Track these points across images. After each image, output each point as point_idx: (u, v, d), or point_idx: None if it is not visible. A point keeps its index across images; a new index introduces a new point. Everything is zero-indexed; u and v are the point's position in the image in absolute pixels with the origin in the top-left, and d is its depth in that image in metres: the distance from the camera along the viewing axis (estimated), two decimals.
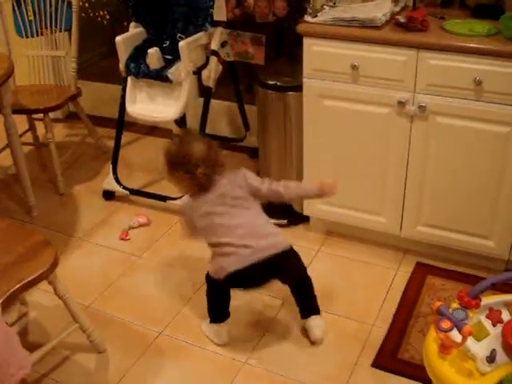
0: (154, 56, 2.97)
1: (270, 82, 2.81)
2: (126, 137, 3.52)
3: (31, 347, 2.11)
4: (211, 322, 2.38)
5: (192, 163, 2.15)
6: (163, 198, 3.13)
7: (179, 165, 2.18)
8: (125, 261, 2.83)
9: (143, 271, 2.77)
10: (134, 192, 3.25)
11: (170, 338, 2.40)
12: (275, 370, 2.24)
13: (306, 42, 2.51)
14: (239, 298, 2.45)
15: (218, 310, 2.36)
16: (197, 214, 2.21)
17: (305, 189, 2.38)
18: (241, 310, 2.48)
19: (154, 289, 2.66)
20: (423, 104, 2.39)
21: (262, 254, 2.12)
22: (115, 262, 2.82)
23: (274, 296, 2.56)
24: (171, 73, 2.93)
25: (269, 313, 2.50)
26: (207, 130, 3.12)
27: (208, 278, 2.31)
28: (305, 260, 2.32)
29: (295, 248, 2.25)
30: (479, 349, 1.67)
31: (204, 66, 3.05)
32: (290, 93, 2.74)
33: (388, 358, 2.27)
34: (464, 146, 2.42)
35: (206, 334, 2.39)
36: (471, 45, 2.26)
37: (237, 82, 3.39)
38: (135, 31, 3.12)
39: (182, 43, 2.89)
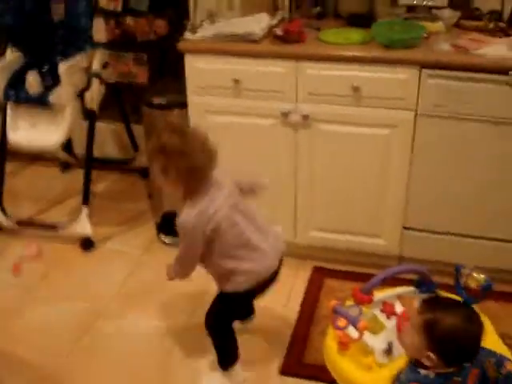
0: (33, 80, 2.87)
1: (155, 101, 2.79)
2: (10, 166, 3.38)
3: None
4: (229, 367, 2.19)
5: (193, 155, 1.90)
6: (53, 227, 3.04)
7: (178, 156, 1.89)
8: (19, 294, 2.71)
9: (39, 304, 2.65)
10: (22, 223, 3.12)
11: (71, 370, 2.31)
12: None
13: (188, 59, 2.52)
14: None
15: (234, 348, 2.19)
16: (215, 218, 1.93)
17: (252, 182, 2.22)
18: None
19: (52, 321, 2.55)
20: (306, 113, 2.46)
21: (279, 253, 2.09)
22: (9, 296, 2.70)
23: None
24: (52, 97, 2.85)
25: None
26: (95, 153, 3.06)
27: (215, 319, 2.15)
28: (204, 279, 2.30)
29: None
30: (376, 342, 1.73)
31: (86, 89, 2.99)
32: (176, 110, 2.74)
33: (294, 363, 2.30)
34: (348, 150, 2.51)
35: None
36: (347, 53, 2.36)
37: (121, 102, 3.35)
38: (13, 56, 3.00)
39: (61, 66, 2.81)
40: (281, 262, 2.11)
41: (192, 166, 1.89)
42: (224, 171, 2.03)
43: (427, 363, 1.51)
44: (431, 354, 1.49)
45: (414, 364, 1.56)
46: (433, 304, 1.57)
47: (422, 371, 1.52)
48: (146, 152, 1.99)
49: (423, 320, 1.52)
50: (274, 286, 2.11)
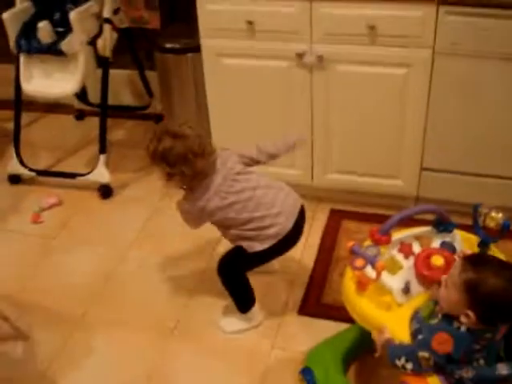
0: (44, 30, 2.85)
1: (168, 46, 2.77)
2: (26, 117, 3.38)
3: None
4: (247, 310, 2.23)
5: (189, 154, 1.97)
6: (72, 176, 3.06)
7: (176, 159, 1.98)
8: (39, 244, 2.75)
9: (60, 252, 2.70)
10: (41, 173, 3.15)
11: (97, 316, 2.37)
12: (206, 330, 2.27)
13: (200, 0, 2.48)
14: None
15: (249, 292, 2.23)
16: (214, 204, 2.03)
17: (285, 142, 2.24)
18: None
19: (75, 268, 2.60)
20: (321, 54, 2.42)
21: (295, 211, 2.11)
22: (31, 247, 2.74)
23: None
24: (64, 45, 2.82)
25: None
26: (110, 101, 3.05)
27: (227, 266, 2.17)
28: None
29: None
30: (394, 282, 1.73)
31: (98, 36, 2.96)
32: (189, 54, 2.71)
33: (313, 304, 2.34)
34: (364, 90, 2.48)
35: (235, 331, 2.26)
36: None
37: (134, 49, 3.31)
38: (22, 6, 2.97)
39: (72, 14, 2.78)
40: (301, 218, 2.13)
41: (195, 170, 1.99)
42: (227, 155, 2.10)
43: (464, 320, 1.48)
44: (470, 313, 1.46)
45: (446, 315, 1.54)
46: (476, 262, 1.50)
47: (455, 323, 1.51)
48: (147, 152, 1.99)
49: (466, 279, 1.47)
50: (298, 242, 2.15)
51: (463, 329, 1.49)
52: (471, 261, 1.50)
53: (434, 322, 1.56)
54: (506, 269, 1.48)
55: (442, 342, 1.49)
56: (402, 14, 2.28)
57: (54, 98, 3.43)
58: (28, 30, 2.91)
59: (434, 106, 2.43)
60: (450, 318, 1.53)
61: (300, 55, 2.44)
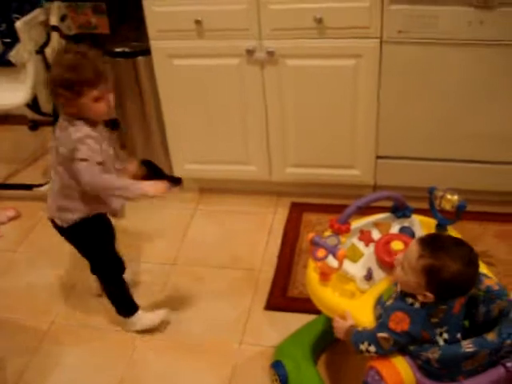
0: None
1: (118, 50, 2.74)
2: None
3: None
4: (133, 313, 2.25)
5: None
6: (29, 187, 3.01)
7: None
8: (1, 258, 2.71)
9: (22, 265, 2.66)
10: None
11: (63, 326, 2.34)
12: (172, 332, 2.26)
13: (146, 2, 2.46)
14: None
15: (127, 296, 2.25)
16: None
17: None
18: None
19: (37, 280, 2.57)
20: (271, 49, 2.43)
21: None
22: None
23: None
24: (12, 56, 2.79)
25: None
26: None
27: (105, 269, 2.19)
28: (183, 220, 2.33)
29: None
30: (356, 270, 1.76)
31: (46, 44, 2.92)
32: (140, 57, 2.69)
33: (279, 298, 2.35)
34: (316, 83, 2.50)
35: (140, 329, 2.26)
36: None
37: None
38: None
39: (18, 23, 2.74)
40: None
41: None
42: None
43: (422, 299, 1.51)
44: (428, 294, 1.48)
45: (402, 293, 1.57)
46: (433, 247, 1.50)
47: (409, 299, 1.53)
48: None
49: (424, 265, 1.48)
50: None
51: (417, 305, 1.52)
52: (427, 244, 1.51)
53: (389, 302, 1.59)
54: (461, 248, 1.51)
55: (399, 321, 1.52)
56: (348, 5, 2.31)
57: (5, 110, 3.36)
58: None
59: (385, 94, 2.46)
60: (403, 297, 1.55)
61: (250, 52, 2.44)
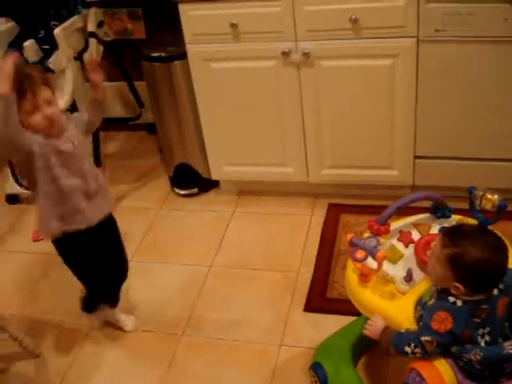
0: (30, 48, 2.86)
1: (154, 54, 2.77)
2: None
3: None
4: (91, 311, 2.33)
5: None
6: None
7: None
8: (42, 261, 2.75)
9: (63, 268, 2.70)
10: None
11: (103, 327, 2.37)
12: (213, 335, 2.27)
13: (182, 8, 2.49)
14: None
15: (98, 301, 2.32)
16: None
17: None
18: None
19: (77, 282, 2.60)
20: (307, 51, 2.43)
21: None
22: (33, 265, 2.74)
23: None
24: (51, 63, 2.84)
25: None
26: None
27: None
28: (222, 223, 2.33)
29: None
30: (396, 271, 1.74)
31: (84, 50, 2.97)
32: (176, 62, 2.71)
33: (318, 299, 2.35)
34: (353, 84, 2.49)
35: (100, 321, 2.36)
36: None
37: (121, 60, 3.33)
38: (6, 27, 2.97)
39: (57, 30, 2.80)
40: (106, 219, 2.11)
41: None
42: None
43: (454, 292, 1.51)
44: (458, 284, 1.48)
45: (442, 292, 1.56)
46: (455, 236, 1.52)
47: (451, 298, 1.52)
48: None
49: (447, 254, 1.49)
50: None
51: (459, 303, 1.51)
52: (450, 234, 1.53)
53: (431, 302, 1.58)
54: (486, 236, 1.52)
55: (442, 321, 1.50)
56: (383, 5, 2.29)
57: None
58: (14, 50, 2.92)
59: (423, 93, 2.44)
60: (444, 295, 1.54)
61: (286, 54, 2.45)
